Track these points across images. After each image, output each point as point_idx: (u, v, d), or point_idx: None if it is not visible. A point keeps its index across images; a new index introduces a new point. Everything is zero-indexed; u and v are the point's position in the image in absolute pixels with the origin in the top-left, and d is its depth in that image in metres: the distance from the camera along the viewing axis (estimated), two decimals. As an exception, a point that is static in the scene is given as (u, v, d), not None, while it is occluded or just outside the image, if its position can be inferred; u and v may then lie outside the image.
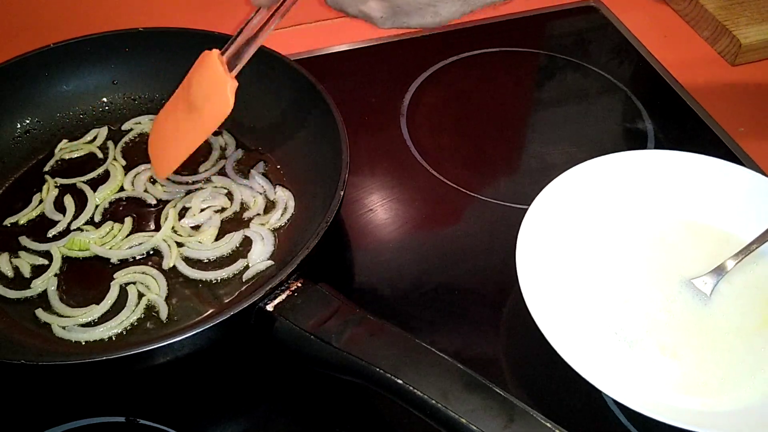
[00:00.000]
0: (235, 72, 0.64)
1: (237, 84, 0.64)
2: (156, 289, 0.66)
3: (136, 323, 0.64)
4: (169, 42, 0.80)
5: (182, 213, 0.72)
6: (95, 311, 0.64)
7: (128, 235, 0.70)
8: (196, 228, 0.71)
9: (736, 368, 0.60)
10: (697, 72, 0.94)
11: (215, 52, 0.65)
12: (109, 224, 0.71)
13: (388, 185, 0.79)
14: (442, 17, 0.54)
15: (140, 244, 0.69)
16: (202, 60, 0.67)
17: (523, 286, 0.60)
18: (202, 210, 0.72)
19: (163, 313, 0.64)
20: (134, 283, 0.66)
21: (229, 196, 0.74)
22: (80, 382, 0.60)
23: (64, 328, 0.63)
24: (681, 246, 0.69)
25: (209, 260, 0.69)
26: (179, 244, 0.69)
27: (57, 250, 0.69)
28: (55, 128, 0.80)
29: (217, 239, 0.70)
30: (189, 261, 0.68)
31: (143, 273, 0.67)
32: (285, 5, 0.61)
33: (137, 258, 0.69)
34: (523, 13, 1.02)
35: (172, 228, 0.71)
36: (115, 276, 0.67)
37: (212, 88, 0.65)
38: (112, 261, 0.68)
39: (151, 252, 0.69)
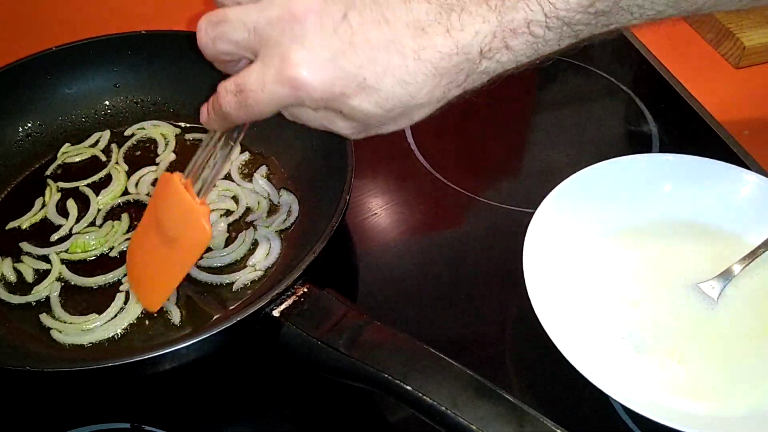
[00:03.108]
0: (205, 197, 0.59)
1: (209, 210, 0.59)
2: None
3: (142, 327, 0.64)
4: (172, 45, 0.80)
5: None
6: (97, 320, 0.64)
7: (128, 231, 0.71)
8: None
9: (743, 373, 0.60)
10: (701, 75, 0.93)
11: (176, 176, 0.60)
12: (109, 224, 0.71)
13: (392, 189, 0.79)
14: (415, 119, 0.52)
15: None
16: (164, 186, 0.61)
17: (530, 290, 0.60)
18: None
19: (176, 317, 0.64)
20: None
21: (235, 199, 0.74)
22: (85, 388, 0.59)
23: (61, 332, 0.63)
24: (687, 250, 0.68)
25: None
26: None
27: (56, 256, 0.68)
28: (57, 132, 0.79)
29: (226, 245, 0.70)
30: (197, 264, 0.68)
31: None
32: (245, 127, 0.57)
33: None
34: (526, 16, 1.01)
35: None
36: (123, 280, 0.67)
37: (184, 219, 0.59)
38: (111, 255, 0.69)
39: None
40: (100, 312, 0.64)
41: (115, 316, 0.64)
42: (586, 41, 0.52)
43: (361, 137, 0.54)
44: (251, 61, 0.50)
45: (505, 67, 0.50)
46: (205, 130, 0.81)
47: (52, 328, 0.63)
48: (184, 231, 0.60)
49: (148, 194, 0.74)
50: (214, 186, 0.61)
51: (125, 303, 0.65)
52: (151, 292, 0.64)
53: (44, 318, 0.64)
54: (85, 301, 0.66)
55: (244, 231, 0.70)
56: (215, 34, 0.50)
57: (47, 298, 0.66)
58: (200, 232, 0.58)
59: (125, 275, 0.67)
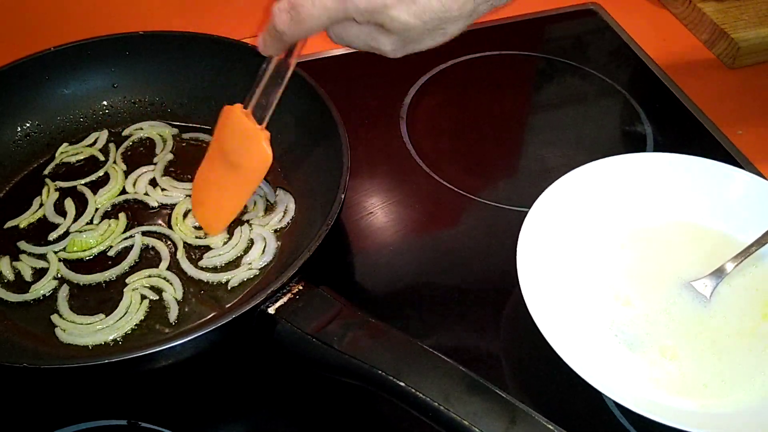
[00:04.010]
0: (264, 123, 0.64)
1: (269, 134, 0.64)
2: (172, 291, 0.66)
3: (136, 327, 0.64)
4: (170, 46, 0.80)
5: (186, 214, 0.73)
6: (105, 321, 0.64)
7: (125, 230, 0.71)
8: (200, 228, 0.72)
9: (735, 370, 0.61)
10: (696, 75, 0.94)
11: (237, 107, 0.65)
12: (106, 223, 0.72)
13: (388, 188, 0.80)
14: (449, 34, 0.57)
15: (133, 237, 0.70)
16: (226, 117, 0.67)
17: (524, 289, 0.60)
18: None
19: (173, 314, 0.65)
20: (136, 288, 0.66)
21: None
22: (82, 386, 0.60)
23: (65, 330, 0.63)
24: (680, 249, 0.69)
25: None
26: (195, 255, 0.70)
27: (53, 255, 0.69)
28: (55, 132, 0.80)
29: (224, 242, 0.71)
30: (193, 261, 0.69)
31: (158, 276, 0.67)
32: (297, 48, 0.62)
33: (138, 254, 0.69)
34: (522, 17, 1.02)
35: (178, 228, 0.72)
36: (127, 281, 0.67)
37: (246, 144, 0.65)
38: (109, 254, 0.69)
39: (151, 254, 0.69)
40: (104, 312, 0.65)
41: (122, 317, 0.64)
42: None
43: (401, 54, 0.58)
44: None
45: None
46: (203, 130, 0.82)
47: (54, 327, 0.63)
48: (247, 155, 0.65)
49: (146, 193, 0.75)
50: (271, 112, 0.65)
51: (130, 305, 0.65)
52: (215, 218, 0.70)
53: (56, 318, 0.64)
54: (92, 300, 0.66)
55: (240, 229, 0.71)
56: None
57: (49, 297, 0.66)
58: (262, 154, 0.64)
59: (123, 273, 0.68)
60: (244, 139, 0.65)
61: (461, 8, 0.54)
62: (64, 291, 0.66)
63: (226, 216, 0.70)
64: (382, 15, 0.53)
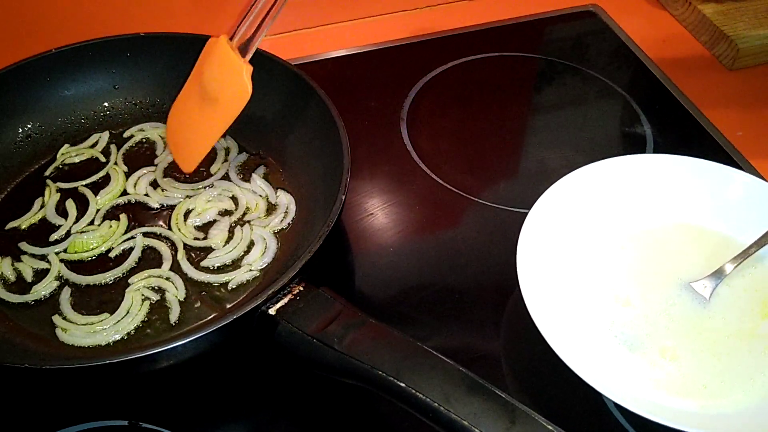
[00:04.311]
0: (248, 56, 0.63)
1: (252, 68, 0.63)
2: (174, 291, 0.66)
3: (139, 327, 0.64)
4: (171, 47, 0.81)
5: (186, 215, 0.73)
6: (106, 322, 0.64)
7: (126, 232, 0.71)
8: (201, 228, 0.72)
9: (735, 371, 0.61)
10: (696, 76, 0.94)
11: (223, 38, 0.64)
12: (107, 224, 0.72)
13: (388, 189, 0.80)
14: None
15: (134, 238, 0.70)
16: (210, 48, 0.65)
17: (524, 290, 0.60)
18: (207, 210, 0.73)
19: (174, 315, 0.65)
20: (138, 289, 0.66)
21: (234, 199, 0.74)
22: (83, 386, 0.60)
23: (66, 331, 0.63)
24: (680, 250, 0.69)
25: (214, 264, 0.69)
26: (196, 257, 0.70)
27: (55, 256, 0.69)
28: (56, 133, 0.80)
29: (225, 243, 0.71)
30: (193, 262, 0.69)
31: (160, 277, 0.67)
32: None
33: (139, 255, 0.69)
34: (522, 18, 1.02)
35: (179, 229, 0.72)
36: (130, 282, 0.67)
37: (227, 76, 0.64)
38: (110, 255, 0.69)
39: (153, 258, 0.69)
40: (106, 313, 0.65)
41: (123, 318, 0.64)
42: None
43: None
44: None
45: None
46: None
47: (55, 327, 0.64)
48: (227, 87, 0.64)
49: (146, 194, 0.75)
50: (256, 47, 0.64)
51: (131, 306, 0.65)
52: (188, 154, 0.69)
53: (57, 319, 0.64)
54: (93, 301, 0.66)
55: (241, 231, 0.71)
56: None
57: (50, 297, 0.66)
58: (241, 87, 0.63)
59: (124, 274, 0.68)
60: (226, 72, 0.64)
61: None
62: (66, 293, 0.66)
63: (198, 151, 0.69)
64: None
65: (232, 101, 0.64)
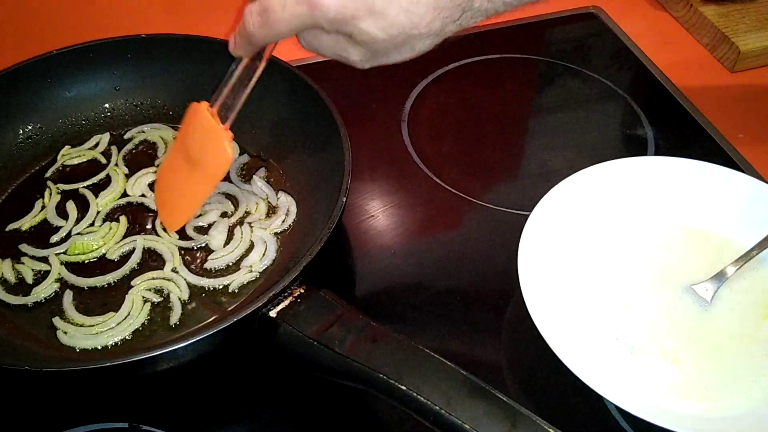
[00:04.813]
0: (228, 123, 0.64)
1: (232, 135, 0.65)
2: (178, 292, 0.66)
3: (140, 329, 0.64)
4: (171, 49, 0.81)
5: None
6: (106, 323, 0.64)
7: (126, 235, 0.71)
8: (201, 230, 0.72)
9: (736, 373, 0.61)
10: (697, 78, 0.94)
11: (203, 105, 0.66)
12: (107, 225, 0.72)
13: (389, 191, 0.80)
14: (417, 50, 0.57)
15: (134, 241, 0.70)
16: (192, 114, 0.67)
17: (525, 292, 0.60)
18: (207, 212, 0.73)
19: (175, 317, 0.65)
20: (139, 291, 0.66)
21: (234, 201, 0.74)
22: (84, 388, 0.60)
23: (66, 333, 0.63)
24: (681, 252, 0.69)
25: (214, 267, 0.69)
26: (196, 258, 0.70)
27: (55, 257, 0.69)
28: (57, 134, 0.80)
29: (224, 245, 0.71)
30: (192, 268, 0.69)
31: (163, 278, 0.67)
32: (266, 52, 0.62)
33: (139, 257, 0.69)
34: (523, 20, 1.02)
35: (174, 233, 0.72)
36: (132, 283, 0.67)
37: (208, 142, 0.65)
38: (111, 257, 0.69)
39: (153, 260, 0.69)
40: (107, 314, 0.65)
41: (123, 320, 0.64)
42: None
43: (369, 66, 0.58)
44: None
45: (497, 8, 0.57)
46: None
47: (59, 329, 0.63)
48: (208, 153, 0.66)
49: (146, 196, 0.75)
50: (236, 114, 0.65)
51: (132, 308, 0.65)
52: (174, 214, 0.70)
53: (57, 321, 0.64)
54: (89, 304, 0.66)
55: (241, 232, 0.71)
56: None
57: (51, 299, 0.66)
58: (223, 154, 0.64)
59: (125, 276, 0.68)
60: (207, 138, 0.65)
61: (429, 26, 0.55)
62: (69, 296, 0.66)
63: (185, 213, 0.70)
64: (350, 26, 0.54)
65: (214, 166, 0.66)
